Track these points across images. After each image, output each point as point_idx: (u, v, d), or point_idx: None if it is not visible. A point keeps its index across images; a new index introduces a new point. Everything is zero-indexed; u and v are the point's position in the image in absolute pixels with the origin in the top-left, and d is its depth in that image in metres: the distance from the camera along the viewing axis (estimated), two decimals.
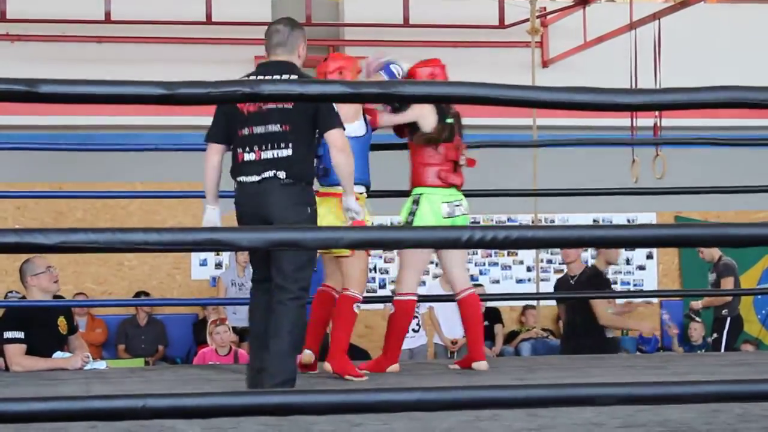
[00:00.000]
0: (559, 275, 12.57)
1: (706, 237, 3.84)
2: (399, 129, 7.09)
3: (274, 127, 5.68)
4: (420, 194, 6.92)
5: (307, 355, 6.74)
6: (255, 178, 5.69)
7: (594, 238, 3.69)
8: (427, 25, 13.64)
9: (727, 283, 11.50)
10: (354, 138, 6.47)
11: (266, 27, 6.20)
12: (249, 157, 5.71)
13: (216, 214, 5.95)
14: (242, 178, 5.74)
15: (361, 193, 6.63)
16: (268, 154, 5.67)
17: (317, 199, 6.43)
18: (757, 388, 3.44)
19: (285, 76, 5.65)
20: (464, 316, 7.17)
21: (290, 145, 5.68)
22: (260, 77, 5.65)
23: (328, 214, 6.51)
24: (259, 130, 5.70)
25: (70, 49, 12.94)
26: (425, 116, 6.79)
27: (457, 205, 6.96)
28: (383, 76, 6.87)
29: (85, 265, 13.29)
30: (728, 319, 11.76)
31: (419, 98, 3.11)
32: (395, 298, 7.10)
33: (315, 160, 6.51)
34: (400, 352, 7.19)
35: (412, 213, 6.89)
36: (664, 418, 4.80)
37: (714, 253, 11.65)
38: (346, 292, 6.68)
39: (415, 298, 7.15)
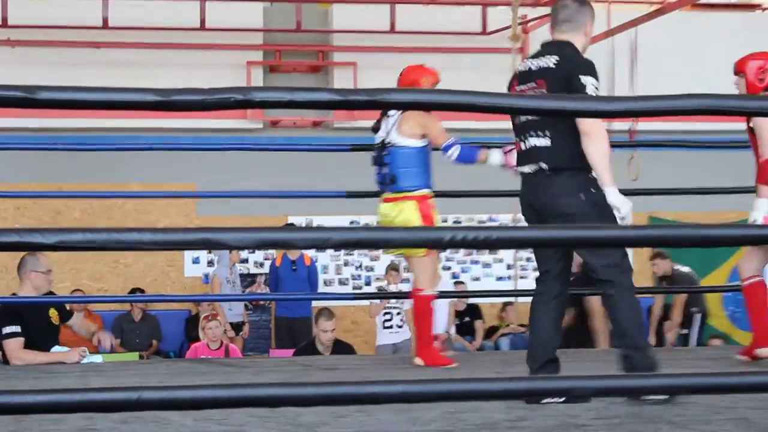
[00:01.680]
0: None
1: (679, 238, 3.86)
2: None
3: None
4: None
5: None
6: (526, 169, 5.20)
7: (568, 238, 3.71)
8: (413, 32, 13.66)
9: (679, 297, 11.62)
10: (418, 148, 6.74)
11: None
12: (522, 146, 5.22)
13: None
14: (519, 168, 5.27)
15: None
16: (529, 144, 5.16)
17: (390, 204, 6.79)
18: (724, 381, 3.47)
19: (546, 58, 5.16)
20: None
21: (547, 133, 5.13)
22: (531, 60, 5.22)
23: (412, 212, 6.71)
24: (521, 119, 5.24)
25: (69, 53, 12.94)
26: None
27: None
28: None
29: (83, 262, 13.30)
30: (700, 315, 11.81)
31: (405, 105, 3.13)
32: None
33: (381, 167, 6.84)
34: None
35: None
36: (638, 410, 4.83)
37: (667, 266, 11.68)
38: (420, 292, 6.84)
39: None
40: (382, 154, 6.89)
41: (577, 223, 4.97)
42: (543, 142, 5.07)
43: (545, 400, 4.88)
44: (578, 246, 4.74)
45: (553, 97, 3.53)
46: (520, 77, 5.20)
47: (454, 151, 6.73)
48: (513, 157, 6.13)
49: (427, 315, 6.84)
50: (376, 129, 7.03)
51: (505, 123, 5.47)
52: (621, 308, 5.06)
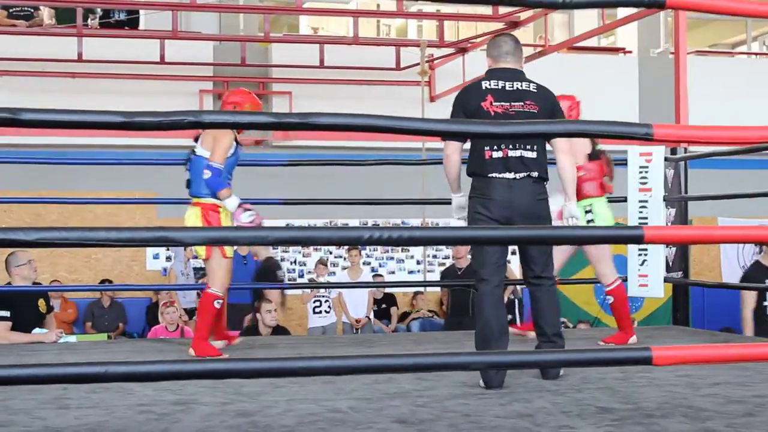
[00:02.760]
0: (442, 268, 12.67)
1: (559, 237, 3.91)
2: None
3: None
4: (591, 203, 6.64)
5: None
6: (508, 175, 5.03)
7: (466, 237, 3.74)
8: (339, 67, 13.67)
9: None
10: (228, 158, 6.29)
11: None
12: (497, 155, 5.03)
13: (464, 200, 5.21)
14: (493, 174, 5.03)
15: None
16: (516, 153, 5.02)
17: (188, 209, 6.32)
18: (591, 356, 3.51)
19: (525, 83, 5.14)
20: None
21: (535, 147, 5.09)
22: (497, 81, 5.10)
23: (195, 217, 6.27)
24: None
25: (49, 82, 12.78)
26: None
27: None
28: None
29: (59, 257, 13.14)
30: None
31: (331, 127, 3.13)
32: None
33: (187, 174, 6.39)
34: None
35: (591, 221, 6.60)
36: (525, 381, 4.88)
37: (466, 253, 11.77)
38: (207, 290, 6.25)
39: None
40: (188, 162, 6.46)
41: (546, 224, 5.14)
42: (531, 154, 5.07)
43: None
44: (467, 243, 4.76)
45: (458, 122, 3.56)
46: (496, 94, 5.07)
47: (207, 174, 6.18)
48: (245, 215, 6.22)
49: (207, 311, 6.19)
50: (196, 139, 6.51)
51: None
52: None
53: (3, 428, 3.82)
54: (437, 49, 13.87)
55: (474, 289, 5.25)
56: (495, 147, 5.03)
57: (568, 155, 5.23)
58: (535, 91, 5.13)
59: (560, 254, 6.59)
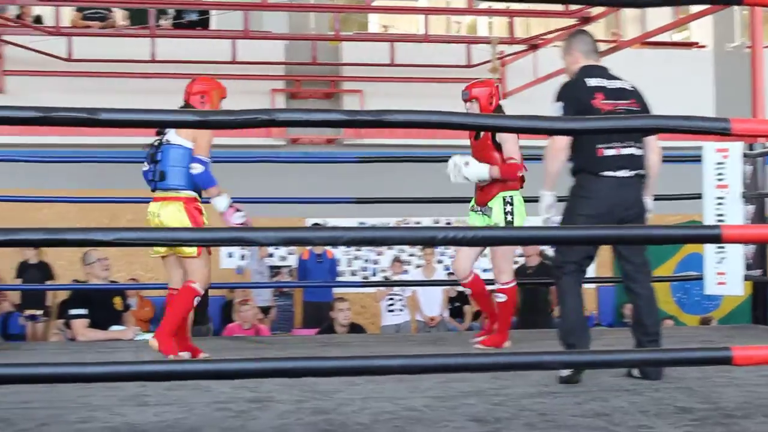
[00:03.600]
0: (515, 266, 12.59)
1: (634, 236, 3.86)
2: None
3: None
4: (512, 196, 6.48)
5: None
6: (621, 174, 4.99)
7: (545, 237, 3.71)
8: (409, 65, 13.67)
9: None
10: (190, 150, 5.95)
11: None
12: (609, 153, 4.98)
13: (554, 199, 5.09)
14: (605, 173, 4.98)
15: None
16: (627, 151, 5.00)
17: (158, 203, 5.97)
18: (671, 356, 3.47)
19: (621, 81, 5.14)
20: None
21: (640, 145, 5.08)
22: (599, 79, 5.06)
23: (178, 212, 5.91)
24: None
25: (122, 83, 12.94)
26: None
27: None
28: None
29: (136, 255, 13.29)
30: None
31: (404, 124, 3.12)
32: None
33: (152, 165, 6.02)
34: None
35: (510, 213, 6.46)
36: (601, 380, 4.83)
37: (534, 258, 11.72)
38: (191, 284, 5.89)
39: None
40: (156, 151, 6.03)
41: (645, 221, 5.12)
42: (639, 151, 5.05)
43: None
44: (547, 243, 4.73)
45: (532, 117, 3.53)
46: (604, 92, 5.04)
47: (198, 168, 5.86)
48: (237, 216, 6.05)
49: (184, 305, 5.88)
50: (160, 132, 6.15)
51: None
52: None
53: (83, 424, 3.88)
54: (508, 45, 13.81)
55: (556, 279, 5.11)
56: (607, 145, 4.98)
57: (660, 153, 5.22)
58: (632, 89, 5.14)
59: (473, 253, 6.60)
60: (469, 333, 11.02)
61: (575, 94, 5.04)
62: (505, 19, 14.28)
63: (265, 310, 12.34)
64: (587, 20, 12.30)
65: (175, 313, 5.89)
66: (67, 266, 12.71)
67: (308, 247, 12.67)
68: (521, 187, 6.53)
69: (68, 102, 3.12)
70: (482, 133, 6.45)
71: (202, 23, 14.13)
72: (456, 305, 12.98)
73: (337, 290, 12.00)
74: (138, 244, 3.14)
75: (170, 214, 5.90)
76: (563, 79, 5.25)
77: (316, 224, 12.69)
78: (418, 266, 13.19)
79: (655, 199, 8.26)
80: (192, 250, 5.90)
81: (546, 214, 5.10)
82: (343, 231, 3.10)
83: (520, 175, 6.41)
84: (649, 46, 15.26)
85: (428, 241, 3.31)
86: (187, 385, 4.67)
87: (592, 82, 5.07)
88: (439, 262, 13.82)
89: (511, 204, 6.43)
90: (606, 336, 6.83)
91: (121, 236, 3.04)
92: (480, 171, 6.35)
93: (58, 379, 3.37)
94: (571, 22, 12.58)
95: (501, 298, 6.58)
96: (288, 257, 13.92)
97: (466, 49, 14.05)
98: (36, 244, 4.07)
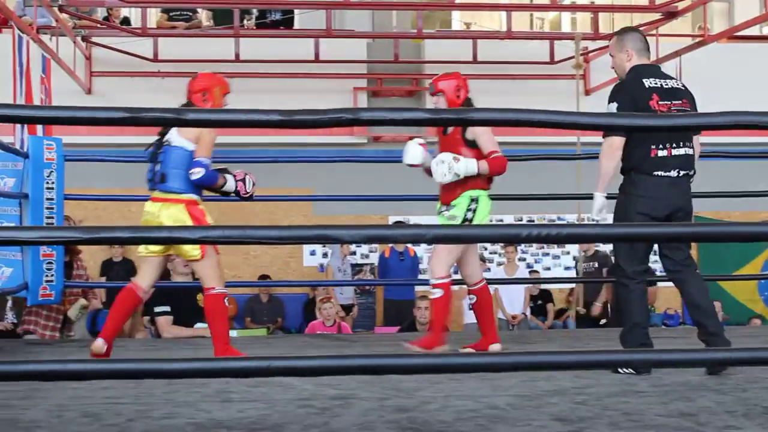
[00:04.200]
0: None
1: (720, 234, 3.81)
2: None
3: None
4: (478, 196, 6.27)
5: (98, 346, 5.85)
6: (673, 174, 5.00)
7: (624, 234, 3.68)
8: (492, 62, 13.61)
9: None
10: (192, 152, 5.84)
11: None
12: (662, 153, 4.98)
13: (605, 200, 5.06)
14: (658, 173, 4.98)
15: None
16: (680, 151, 5.02)
17: (158, 204, 5.82)
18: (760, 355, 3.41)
19: (673, 81, 5.16)
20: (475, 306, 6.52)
21: (691, 144, 5.11)
22: (654, 79, 5.06)
23: (180, 214, 5.79)
24: None
25: None
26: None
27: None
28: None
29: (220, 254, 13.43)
30: None
31: (487, 122, 3.11)
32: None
33: (155, 165, 5.92)
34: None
35: (473, 211, 6.22)
36: (686, 380, 4.77)
37: (592, 246, 11.62)
38: (212, 291, 5.88)
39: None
40: (157, 151, 5.93)
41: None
42: (690, 151, 5.06)
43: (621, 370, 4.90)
44: (631, 240, 4.68)
45: (616, 115, 3.51)
46: (661, 93, 5.02)
47: (197, 173, 5.74)
48: (248, 185, 6.16)
49: (221, 312, 5.87)
50: (163, 132, 6.02)
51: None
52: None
53: (168, 420, 3.93)
54: (592, 41, 13.67)
55: (623, 288, 5.09)
56: (661, 145, 4.97)
57: (698, 151, 5.24)
58: (684, 89, 5.16)
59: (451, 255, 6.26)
60: (552, 331, 10.97)
61: (632, 95, 5.01)
62: (588, 15, 14.15)
63: (347, 308, 12.39)
64: (673, 14, 12.14)
65: (220, 325, 5.86)
66: None
67: (390, 245, 12.69)
68: (488, 188, 6.34)
69: (154, 102, 3.18)
70: (451, 128, 6.31)
71: (286, 23, 14.23)
72: (538, 303, 12.91)
73: (419, 288, 11.99)
74: (222, 242, 3.17)
75: (172, 215, 5.80)
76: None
77: (399, 222, 12.71)
78: (500, 264, 13.15)
79: (743, 196, 8.14)
80: (196, 252, 5.81)
81: (598, 216, 5.06)
82: (427, 228, 3.10)
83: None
84: (737, 40, 15.00)
85: (513, 238, 3.30)
86: (270, 382, 4.72)
87: (648, 82, 5.04)
88: (522, 259, 13.76)
89: (477, 203, 6.21)
90: (692, 335, 6.73)
91: (206, 234, 3.08)
92: (470, 165, 6.11)
93: (144, 375, 3.42)
94: (656, 16, 12.42)
95: (436, 294, 6.19)
96: (370, 255, 13.96)
97: (549, 46, 13.95)
98: (123, 241, 4.14)
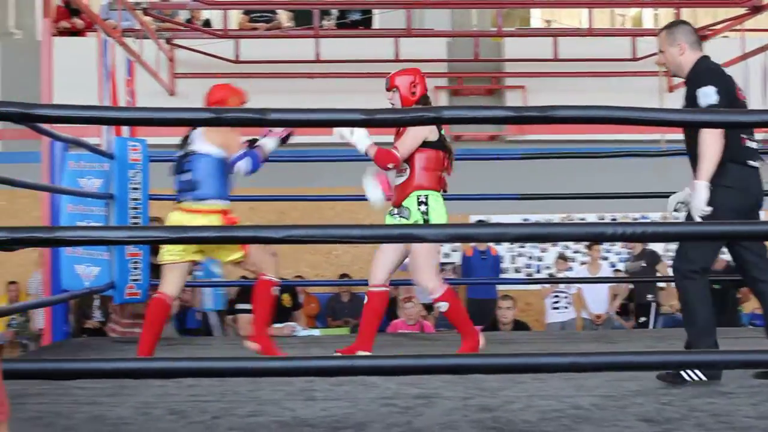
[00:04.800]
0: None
1: None
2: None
3: None
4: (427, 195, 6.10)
5: None
6: (757, 164, 4.86)
7: (709, 232, 3.62)
8: (573, 59, 13.51)
9: (663, 267, 11.40)
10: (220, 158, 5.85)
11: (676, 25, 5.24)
12: (751, 144, 4.85)
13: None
14: (750, 162, 4.82)
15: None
16: (754, 144, 4.86)
17: (189, 215, 5.77)
18: None
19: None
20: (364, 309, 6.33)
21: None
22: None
23: (216, 223, 5.75)
24: None
25: (288, 83, 13.17)
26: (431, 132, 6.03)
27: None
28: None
29: (302, 253, 13.51)
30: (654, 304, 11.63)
31: (571, 120, 3.09)
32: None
33: (182, 174, 5.86)
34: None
35: (425, 213, 6.08)
36: None
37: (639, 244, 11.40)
38: (264, 276, 5.93)
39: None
40: (183, 161, 5.87)
41: None
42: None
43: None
44: (711, 238, 4.55)
45: (700, 111, 3.45)
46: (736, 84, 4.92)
47: (247, 167, 5.79)
48: (279, 136, 6.06)
49: (267, 300, 5.92)
50: (184, 140, 5.94)
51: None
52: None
53: (254, 418, 3.96)
54: None
55: (691, 285, 4.77)
56: (746, 134, 4.83)
57: None
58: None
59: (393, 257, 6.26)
60: (636, 331, 10.84)
61: (726, 81, 4.84)
62: (671, 10, 13.96)
63: (428, 307, 12.39)
64: (758, 9, 11.91)
65: (264, 312, 5.91)
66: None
67: (472, 244, 12.66)
68: (439, 189, 6.21)
69: None
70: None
71: (365, 22, 14.27)
72: (623, 303, 12.77)
73: (501, 287, 11.96)
74: (306, 241, 3.18)
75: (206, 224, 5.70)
76: (729, 71, 5.09)
77: (480, 221, 12.68)
78: (583, 263, 13.04)
79: None
80: (237, 254, 5.83)
81: (705, 209, 4.64)
82: (510, 227, 3.09)
83: (391, 167, 6.03)
84: None
85: (597, 237, 3.27)
86: (353, 381, 4.73)
87: (729, 75, 4.93)
88: (605, 258, 13.63)
89: (426, 204, 6.07)
90: None
91: (290, 233, 3.09)
92: (360, 138, 5.94)
93: (229, 373, 3.45)
94: (741, 11, 12.20)
95: (443, 307, 6.10)
96: (452, 254, 13.94)
97: (631, 42, 13.80)
98: (209, 241, 4.18)
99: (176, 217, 5.83)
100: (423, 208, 6.05)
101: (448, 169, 6.29)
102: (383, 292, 6.25)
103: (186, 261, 5.90)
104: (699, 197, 4.67)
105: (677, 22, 5.23)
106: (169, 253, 5.83)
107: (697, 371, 4.61)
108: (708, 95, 4.70)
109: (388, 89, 6.22)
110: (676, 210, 4.91)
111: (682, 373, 4.63)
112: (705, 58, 5.03)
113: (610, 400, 4.26)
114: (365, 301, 6.26)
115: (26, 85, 11.25)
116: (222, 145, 5.79)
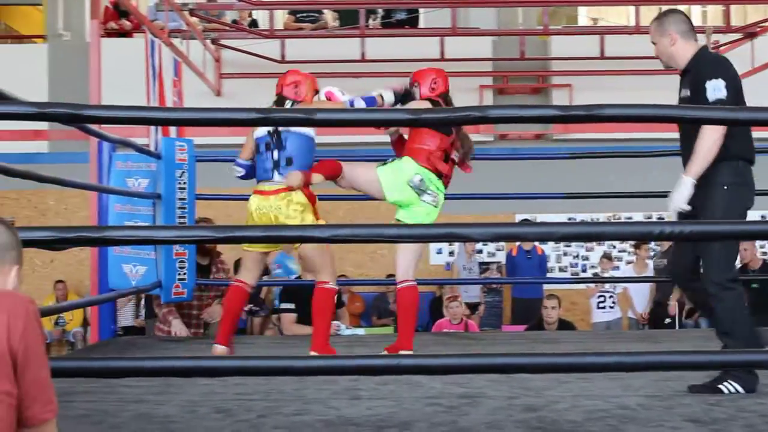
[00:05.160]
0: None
1: None
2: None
3: None
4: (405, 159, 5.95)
5: (219, 352, 5.93)
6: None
7: (752, 232, 3.59)
8: (620, 57, 13.43)
9: None
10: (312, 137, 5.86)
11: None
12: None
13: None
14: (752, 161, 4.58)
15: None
16: None
17: (279, 197, 5.81)
18: None
19: None
20: (398, 305, 6.38)
21: None
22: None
23: (304, 210, 5.92)
24: None
25: (334, 83, 13.16)
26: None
27: (428, 192, 5.98)
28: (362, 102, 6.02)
29: (347, 252, 13.53)
30: None
31: (618, 118, 3.07)
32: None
33: (276, 151, 5.81)
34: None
35: (385, 163, 6.08)
36: None
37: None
38: (323, 285, 5.90)
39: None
40: (276, 138, 5.75)
41: None
42: None
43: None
44: (755, 238, 4.49)
45: (746, 109, 3.43)
46: None
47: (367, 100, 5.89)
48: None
49: (327, 309, 5.93)
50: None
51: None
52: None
53: (299, 417, 3.98)
54: (723, 34, 13.37)
55: (726, 297, 4.45)
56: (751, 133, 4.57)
57: None
58: None
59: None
60: (682, 331, 10.77)
61: (734, 77, 4.59)
62: (719, 7, 13.84)
63: (473, 307, 12.37)
64: None
65: (323, 320, 5.90)
66: None
67: (518, 243, 12.64)
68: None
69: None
70: None
71: (411, 22, 14.27)
72: (668, 304, 12.70)
73: (546, 287, 11.92)
74: (352, 241, 3.20)
75: (298, 213, 5.88)
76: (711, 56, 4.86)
77: (525, 220, 12.64)
78: (629, 263, 12.97)
79: None
80: (308, 245, 5.79)
81: (686, 206, 4.41)
82: (557, 226, 3.09)
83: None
84: None
85: (644, 236, 3.25)
86: (398, 380, 4.73)
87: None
88: (651, 258, 13.55)
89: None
90: None
91: (335, 233, 3.10)
92: (387, 95, 6.05)
93: (275, 372, 3.47)
94: None
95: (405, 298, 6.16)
96: (496, 253, 13.92)
97: None
98: (256, 240, 4.21)
99: (259, 203, 5.86)
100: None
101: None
102: (414, 287, 6.22)
103: (263, 251, 6.09)
104: (681, 193, 4.45)
105: (668, 12, 5.01)
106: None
107: (735, 384, 4.39)
108: (718, 89, 4.46)
109: (411, 85, 6.29)
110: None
111: (720, 386, 4.42)
112: (704, 48, 4.81)
113: (656, 400, 4.24)
114: (398, 299, 6.28)
115: (73, 87, 11.40)
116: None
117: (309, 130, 5.81)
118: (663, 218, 13.05)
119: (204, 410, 4.15)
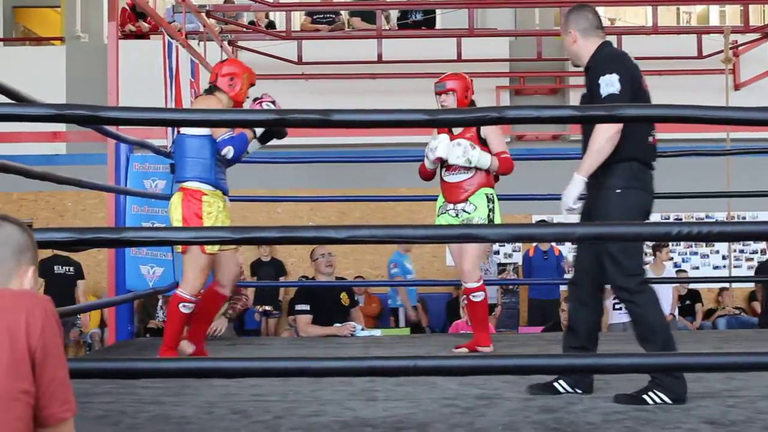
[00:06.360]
0: (749, 263, 12.25)
1: None
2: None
3: None
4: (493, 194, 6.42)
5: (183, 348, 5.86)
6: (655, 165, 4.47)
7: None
8: (639, 57, 13.35)
9: None
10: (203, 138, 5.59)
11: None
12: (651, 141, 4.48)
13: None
14: (653, 163, 4.49)
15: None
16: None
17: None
18: None
19: None
20: (468, 305, 6.47)
21: None
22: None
23: (176, 203, 5.71)
24: None
25: (351, 84, 13.21)
26: None
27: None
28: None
29: (363, 253, 13.54)
30: None
31: (636, 119, 3.07)
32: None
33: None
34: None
35: (492, 210, 6.34)
36: None
37: None
38: (178, 291, 5.78)
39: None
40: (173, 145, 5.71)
41: None
42: None
43: None
44: None
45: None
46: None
47: (230, 150, 5.44)
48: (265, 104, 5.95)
49: (174, 316, 5.72)
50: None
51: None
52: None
53: (315, 418, 3.98)
54: (741, 35, 13.33)
55: (637, 294, 4.33)
56: (652, 133, 4.45)
57: None
58: None
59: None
60: (701, 332, 10.74)
61: (631, 71, 4.56)
62: (738, 7, 13.80)
63: (490, 308, 12.35)
64: None
65: (170, 329, 5.75)
66: (297, 263, 13.13)
67: (534, 244, 12.61)
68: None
69: (298, 104, 3.23)
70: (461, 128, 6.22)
71: (427, 23, 14.27)
72: (686, 303, 12.66)
73: (563, 288, 11.89)
74: (369, 241, 3.20)
75: (172, 205, 5.76)
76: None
77: (542, 221, 12.62)
78: (646, 263, 12.94)
79: None
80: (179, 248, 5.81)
81: (574, 206, 4.34)
82: (574, 227, 3.08)
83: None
84: None
85: (663, 237, 3.24)
86: (415, 381, 4.73)
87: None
88: (669, 259, 13.51)
89: (493, 202, 6.36)
90: None
91: (352, 234, 3.11)
92: (483, 157, 6.21)
93: (292, 373, 3.48)
94: None
95: (478, 297, 6.35)
96: (513, 254, 13.89)
97: (696, 40, 13.65)
98: (272, 241, 4.21)
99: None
100: (491, 205, 6.34)
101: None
102: (482, 286, 6.38)
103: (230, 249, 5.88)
104: (570, 192, 4.38)
105: (572, 9, 4.84)
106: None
107: (662, 395, 4.19)
108: (611, 83, 4.39)
109: (442, 92, 6.46)
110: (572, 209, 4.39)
111: (645, 396, 4.22)
112: (606, 44, 4.72)
113: (675, 402, 4.22)
114: (469, 301, 6.41)
115: (91, 88, 11.42)
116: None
117: (201, 131, 5.58)
118: (681, 218, 13.04)
119: (221, 411, 4.16)
